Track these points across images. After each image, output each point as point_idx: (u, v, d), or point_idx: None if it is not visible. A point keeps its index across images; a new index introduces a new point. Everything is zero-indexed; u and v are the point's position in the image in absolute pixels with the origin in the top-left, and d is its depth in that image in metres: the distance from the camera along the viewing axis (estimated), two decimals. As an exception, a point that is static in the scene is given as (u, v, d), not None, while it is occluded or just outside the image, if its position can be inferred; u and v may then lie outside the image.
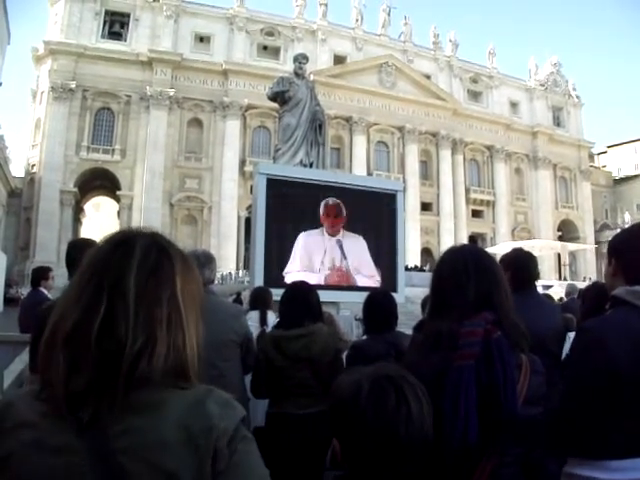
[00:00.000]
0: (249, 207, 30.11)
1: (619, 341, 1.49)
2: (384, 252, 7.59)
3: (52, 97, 35.05)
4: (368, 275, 7.41)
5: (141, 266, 0.90)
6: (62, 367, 0.84)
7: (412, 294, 11.20)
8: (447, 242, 39.24)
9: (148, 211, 35.06)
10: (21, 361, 4.31)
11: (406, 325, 3.44)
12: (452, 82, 47.31)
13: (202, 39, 39.96)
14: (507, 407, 1.37)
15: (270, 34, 41.72)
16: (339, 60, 43.42)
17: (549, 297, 6.33)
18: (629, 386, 1.47)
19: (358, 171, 38.75)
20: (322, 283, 6.85)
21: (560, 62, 54.08)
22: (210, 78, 38.84)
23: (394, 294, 3.57)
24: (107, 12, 38.25)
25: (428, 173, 45.34)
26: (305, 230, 7.09)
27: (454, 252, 1.68)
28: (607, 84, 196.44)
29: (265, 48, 41.67)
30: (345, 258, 7.26)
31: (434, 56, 47.70)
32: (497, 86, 49.14)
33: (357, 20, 44.81)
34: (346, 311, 7.35)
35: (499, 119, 47.84)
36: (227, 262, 34.52)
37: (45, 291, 5.24)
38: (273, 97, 9.07)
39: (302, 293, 3.17)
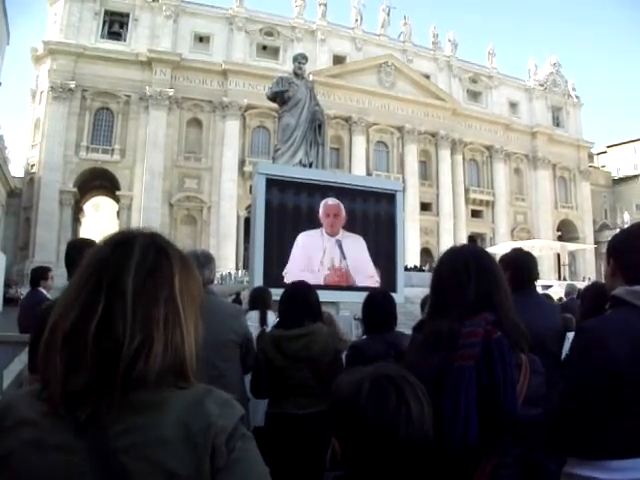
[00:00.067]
0: (248, 207, 30.04)
1: (619, 341, 1.49)
2: (383, 252, 7.59)
3: (51, 97, 35.05)
4: (367, 275, 7.41)
5: (139, 266, 0.91)
6: (60, 366, 0.84)
7: (411, 294, 11.21)
8: (446, 242, 39.26)
9: (147, 211, 35.07)
10: (20, 361, 4.30)
11: (405, 325, 3.43)
12: (451, 82, 47.32)
13: (201, 39, 39.96)
14: (507, 407, 1.37)
15: (269, 34, 41.72)
16: (338, 60, 43.42)
17: (548, 297, 6.33)
18: (629, 386, 1.46)
19: (357, 171, 38.75)
20: (321, 283, 6.85)
21: (559, 62, 54.16)
22: (209, 78, 38.83)
23: (393, 294, 3.56)
24: (106, 12, 38.25)
25: (427, 173, 45.35)
26: (304, 230, 7.10)
27: (454, 252, 1.68)
28: (607, 84, 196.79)
29: (264, 48, 41.65)
30: (344, 258, 7.26)
31: (433, 56, 47.70)
32: (496, 86, 49.14)
33: (356, 20, 44.80)
34: (345, 311, 7.34)
35: (498, 119, 47.84)
36: (226, 262, 34.53)
37: (44, 291, 5.22)
38: (272, 97, 9.09)
39: (302, 293, 3.18)
